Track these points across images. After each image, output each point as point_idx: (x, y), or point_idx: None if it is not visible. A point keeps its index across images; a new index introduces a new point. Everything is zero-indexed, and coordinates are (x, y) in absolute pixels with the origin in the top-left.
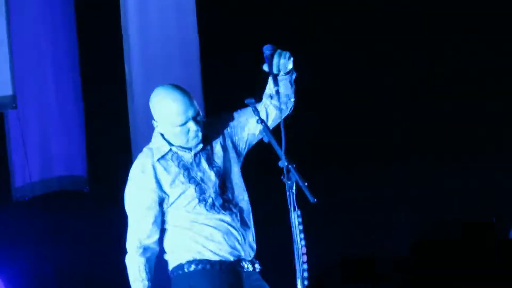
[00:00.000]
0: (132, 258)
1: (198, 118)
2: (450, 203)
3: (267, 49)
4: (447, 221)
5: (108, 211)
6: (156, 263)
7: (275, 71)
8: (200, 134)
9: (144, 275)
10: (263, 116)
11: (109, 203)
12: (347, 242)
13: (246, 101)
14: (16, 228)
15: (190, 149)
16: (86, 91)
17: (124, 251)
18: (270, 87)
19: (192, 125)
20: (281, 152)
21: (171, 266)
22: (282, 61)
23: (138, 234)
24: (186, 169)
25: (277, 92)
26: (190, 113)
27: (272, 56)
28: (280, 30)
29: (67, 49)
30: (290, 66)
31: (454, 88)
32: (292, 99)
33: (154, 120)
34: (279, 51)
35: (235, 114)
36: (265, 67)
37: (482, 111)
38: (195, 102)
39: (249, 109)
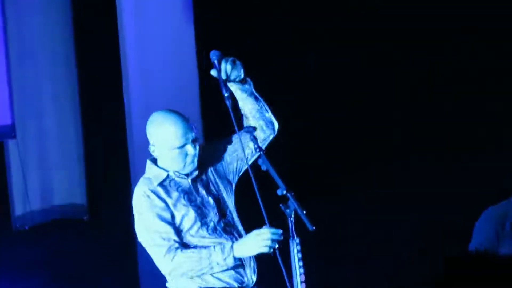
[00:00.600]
0: (177, 258)
1: (197, 144)
2: (450, 203)
3: (214, 55)
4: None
5: (107, 240)
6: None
7: (223, 76)
8: (196, 160)
9: (195, 251)
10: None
11: (108, 231)
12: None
13: (246, 128)
14: (16, 257)
15: (187, 175)
16: (86, 121)
17: (117, 278)
18: (242, 108)
19: (190, 149)
20: (279, 180)
21: None
22: (228, 66)
23: (166, 241)
24: (186, 193)
25: (227, 98)
26: (189, 136)
27: (219, 62)
28: (280, 32)
29: (66, 79)
30: (241, 74)
31: (454, 88)
32: (268, 113)
33: (151, 144)
34: (226, 57)
35: (227, 141)
36: (213, 72)
37: (482, 111)
38: (194, 128)
39: (240, 133)
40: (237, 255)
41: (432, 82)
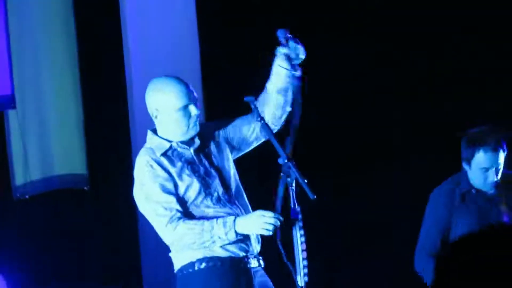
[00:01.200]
0: (179, 229)
1: (198, 105)
2: None
3: (281, 33)
4: None
5: (108, 210)
6: (159, 260)
7: (293, 56)
8: (198, 123)
9: (198, 223)
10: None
11: (109, 201)
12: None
13: (246, 99)
14: (17, 227)
15: (189, 145)
16: (85, 89)
17: (118, 249)
18: (273, 82)
19: (193, 109)
20: (280, 149)
21: (179, 264)
22: (298, 47)
23: (168, 211)
24: (189, 163)
25: (293, 76)
26: (191, 96)
27: (287, 40)
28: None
29: (65, 48)
30: (303, 55)
31: (454, 88)
32: (291, 95)
33: (154, 109)
34: (292, 37)
35: (229, 120)
36: (283, 50)
37: (482, 112)
38: (194, 91)
39: (246, 115)
40: (239, 230)
41: (433, 82)
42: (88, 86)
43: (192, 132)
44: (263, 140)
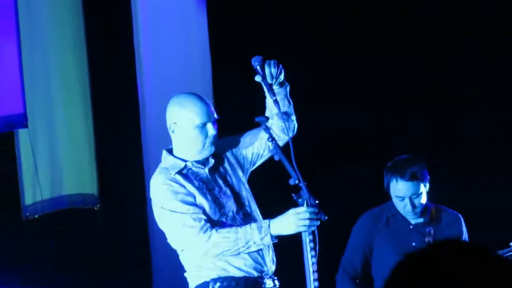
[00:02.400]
0: (213, 238)
1: (216, 126)
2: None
3: (256, 60)
4: None
5: (119, 229)
6: (171, 281)
7: (269, 80)
8: (214, 143)
9: (231, 231)
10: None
11: (120, 221)
12: None
13: (256, 119)
14: (26, 246)
15: (204, 165)
16: (96, 107)
17: (129, 268)
18: (269, 108)
19: (211, 128)
20: (292, 170)
21: (193, 284)
22: (273, 69)
23: (197, 221)
24: (204, 183)
25: (276, 101)
26: (211, 116)
27: (262, 66)
28: (295, 38)
29: (76, 68)
30: (282, 76)
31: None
32: (293, 117)
33: (172, 123)
34: (268, 61)
35: (241, 136)
36: (258, 78)
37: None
38: (214, 111)
39: (255, 130)
40: (275, 233)
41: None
42: (99, 104)
43: (206, 152)
44: (270, 155)
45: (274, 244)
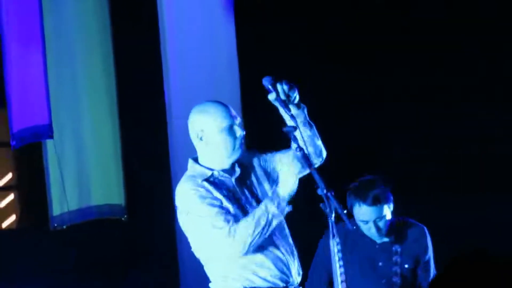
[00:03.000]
0: (238, 233)
1: (242, 128)
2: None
3: (266, 80)
4: None
5: (147, 239)
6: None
7: (283, 97)
8: (242, 145)
9: (249, 216)
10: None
11: (148, 231)
12: None
13: (285, 129)
14: (54, 256)
15: (230, 174)
16: (123, 117)
17: (157, 278)
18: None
19: (238, 130)
20: (319, 180)
21: None
22: (285, 86)
23: (226, 222)
24: (230, 191)
25: (292, 116)
26: (235, 118)
27: (274, 85)
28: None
29: (103, 77)
30: (296, 95)
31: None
32: (318, 142)
33: (199, 131)
34: (279, 80)
35: (271, 152)
36: (271, 97)
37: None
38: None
39: (285, 150)
40: (283, 195)
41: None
42: (126, 114)
43: (237, 154)
44: (305, 173)
45: (299, 256)
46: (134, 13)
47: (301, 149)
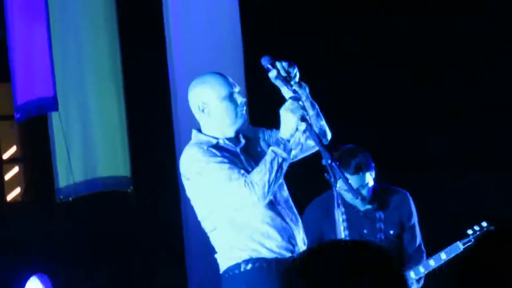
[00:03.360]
0: (254, 182)
1: (242, 95)
2: None
3: (265, 60)
4: None
5: (152, 211)
6: (205, 261)
7: (283, 74)
8: (245, 112)
9: (260, 165)
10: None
11: (153, 203)
12: None
13: (289, 98)
14: (61, 228)
15: (235, 144)
16: (128, 91)
17: (163, 249)
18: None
19: (239, 97)
20: (324, 150)
21: (225, 265)
22: (284, 64)
23: (240, 174)
24: (236, 157)
25: (295, 91)
26: (234, 86)
27: (273, 64)
28: (332, 50)
29: (108, 49)
30: (296, 71)
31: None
32: (322, 122)
33: (201, 103)
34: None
35: (274, 130)
36: (272, 74)
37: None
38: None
39: None
40: (286, 136)
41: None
42: (131, 88)
43: (240, 121)
44: (308, 153)
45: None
46: None
47: (305, 119)
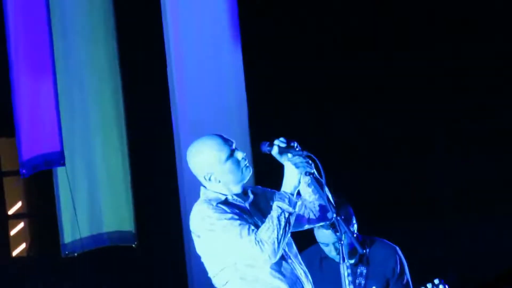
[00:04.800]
0: (263, 240)
1: (240, 149)
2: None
3: (263, 145)
4: None
5: (158, 266)
6: None
7: (283, 145)
8: (248, 164)
9: (267, 221)
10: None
11: (158, 258)
12: None
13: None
14: (66, 283)
15: (243, 200)
16: (132, 144)
17: None
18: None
19: (238, 154)
20: (329, 204)
21: None
22: (282, 139)
23: (252, 232)
24: (246, 214)
25: (300, 155)
26: (231, 143)
27: (271, 144)
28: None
29: (113, 103)
30: (297, 144)
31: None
32: (324, 200)
33: (206, 173)
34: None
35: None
36: (275, 151)
37: None
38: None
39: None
40: (290, 190)
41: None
42: (136, 142)
43: (247, 173)
44: (314, 225)
45: None
46: (142, 41)
47: (310, 173)
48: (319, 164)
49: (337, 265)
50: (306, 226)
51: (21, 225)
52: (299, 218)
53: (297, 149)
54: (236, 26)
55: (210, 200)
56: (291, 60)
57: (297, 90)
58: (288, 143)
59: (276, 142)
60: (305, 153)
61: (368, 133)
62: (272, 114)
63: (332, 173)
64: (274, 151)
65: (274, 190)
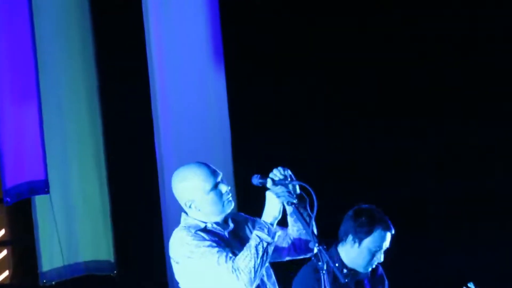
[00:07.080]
0: (240, 269)
1: (225, 182)
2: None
3: (255, 178)
4: None
5: None
6: None
7: (279, 177)
8: (231, 198)
9: (244, 250)
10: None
11: (140, 285)
12: None
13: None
14: None
15: (223, 228)
16: (111, 173)
17: None
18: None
19: (223, 187)
20: (311, 234)
21: None
22: (275, 171)
23: (230, 260)
24: (224, 241)
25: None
26: (217, 175)
27: (264, 176)
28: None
29: (91, 131)
30: (290, 173)
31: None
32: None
33: (187, 201)
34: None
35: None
36: (269, 184)
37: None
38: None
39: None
40: (269, 220)
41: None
42: (114, 170)
43: (228, 207)
44: (295, 257)
45: None
46: (124, 70)
47: (292, 203)
48: (314, 195)
49: (350, 276)
50: (287, 258)
51: (4, 252)
52: (279, 250)
53: (289, 179)
54: (219, 48)
55: (189, 227)
56: (274, 77)
57: (280, 109)
58: (283, 172)
59: (270, 175)
60: (297, 182)
61: (353, 150)
62: (254, 134)
63: (318, 191)
64: (269, 184)
65: (256, 218)
